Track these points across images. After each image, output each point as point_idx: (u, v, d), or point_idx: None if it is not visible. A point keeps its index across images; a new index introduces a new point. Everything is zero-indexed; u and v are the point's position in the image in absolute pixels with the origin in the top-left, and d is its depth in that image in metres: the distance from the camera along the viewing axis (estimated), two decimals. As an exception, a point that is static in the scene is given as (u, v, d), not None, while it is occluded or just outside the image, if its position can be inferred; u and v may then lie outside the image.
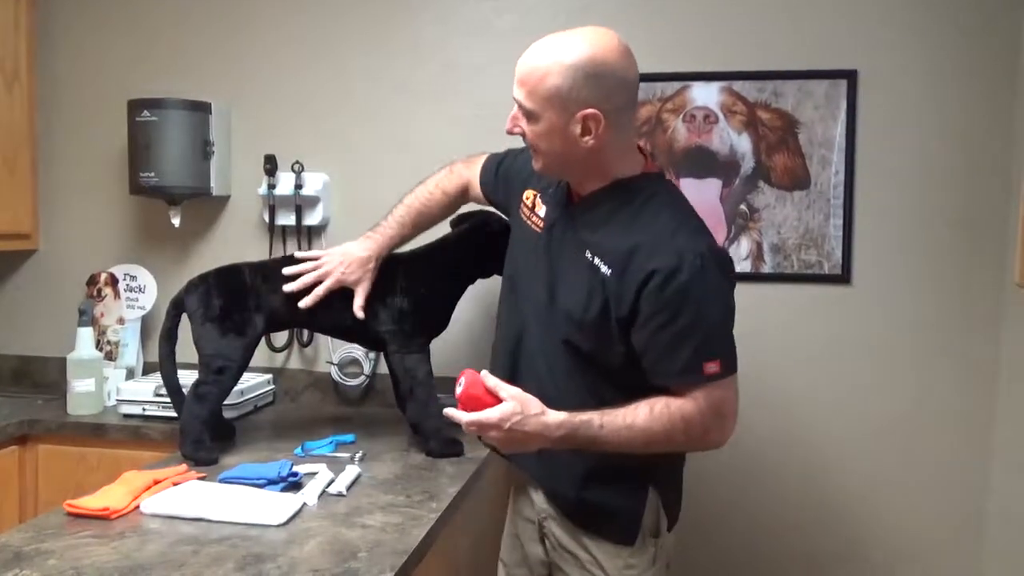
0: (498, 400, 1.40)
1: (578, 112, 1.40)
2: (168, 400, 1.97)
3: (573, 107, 1.40)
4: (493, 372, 1.46)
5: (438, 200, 1.93)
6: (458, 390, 1.43)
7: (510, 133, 1.51)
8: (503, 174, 1.81)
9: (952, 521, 2.23)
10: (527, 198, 1.66)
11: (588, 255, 1.47)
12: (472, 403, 1.40)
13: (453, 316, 2.08)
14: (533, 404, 1.41)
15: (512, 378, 1.50)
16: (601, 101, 1.40)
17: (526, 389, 1.44)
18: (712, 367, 1.41)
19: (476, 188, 1.90)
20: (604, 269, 1.45)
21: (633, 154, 1.53)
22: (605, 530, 1.54)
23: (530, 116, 1.44)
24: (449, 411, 1.43)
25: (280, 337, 2.50)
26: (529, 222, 1.63)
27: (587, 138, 1.42)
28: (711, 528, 2.34)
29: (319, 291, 1.89)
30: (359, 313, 1.90)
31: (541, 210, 1.62)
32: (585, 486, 1.54)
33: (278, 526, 1.45)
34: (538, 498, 1.63)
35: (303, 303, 1.89)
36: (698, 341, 1.40)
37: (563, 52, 1.40)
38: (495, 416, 1.38)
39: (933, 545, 2.25)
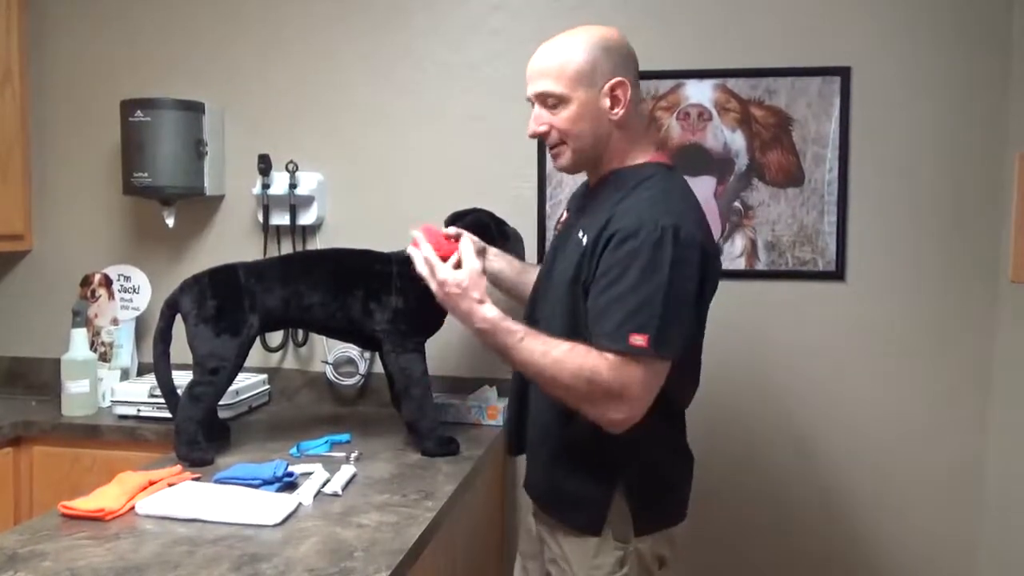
0: (454, 247, 1.56)
1: (605, 84, 1.49)
2: (163, 401, 1.97)
3: (600, 80, 1.49)
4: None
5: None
6: (417, 233, 1.59)
7: (534, 135, 1.57)
8: None
9: (948, 516, 2.24)
10: (560, 221, 1.77)
11: (579, 234, 1.53)
12: (433, 238, 1.56)
13: (448, 315, 2.07)
14: (479, 289, 1.52)
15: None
16: (619, 71, 1.50)
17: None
18: (638, 339, 1.36)
19: None
20: (585, 241, 1.49)
21: (645, 143, 1.59)
22: (570, 517, 1.55)
23: (560, 103, 1.51)
24: (415, 233, 1.57)
25: (275, 337, 2.50)
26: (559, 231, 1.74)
27: (616, 109, 1.51)
28: (701, 522, 2.33)
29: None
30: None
31: (563, 216, 1.73)
32: (551, 469, 1.58)
33: (274, 526, 1.45)
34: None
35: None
36: (631, 308, 1.37)
37: (575, 39, 1.51)
38: (444, 275, 1.54)
39: (930, 539, 2.25)
